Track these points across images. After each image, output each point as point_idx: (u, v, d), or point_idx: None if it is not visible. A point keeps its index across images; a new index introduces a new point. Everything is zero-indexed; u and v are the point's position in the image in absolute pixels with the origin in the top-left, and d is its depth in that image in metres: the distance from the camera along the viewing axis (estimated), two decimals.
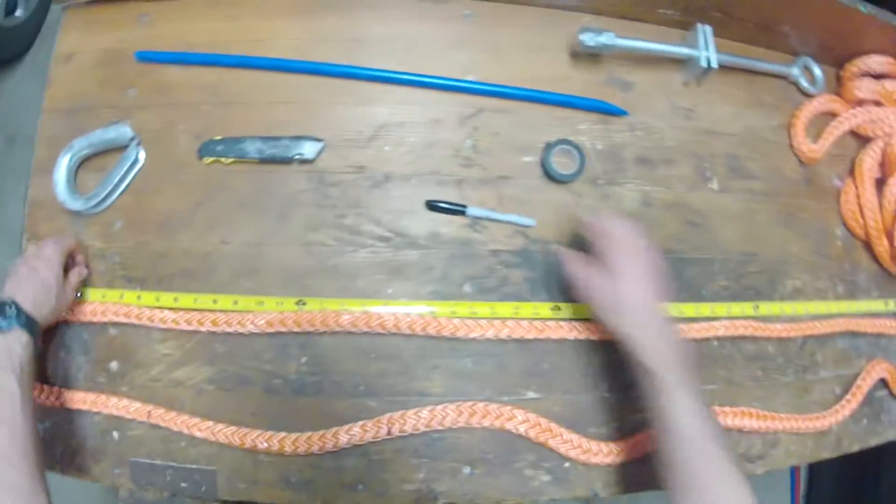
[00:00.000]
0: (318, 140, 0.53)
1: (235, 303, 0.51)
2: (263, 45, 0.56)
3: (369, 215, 0.52)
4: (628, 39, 0.56)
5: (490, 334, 0.51)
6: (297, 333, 0.50)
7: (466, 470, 0.50)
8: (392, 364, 0.50)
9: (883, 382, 0.66)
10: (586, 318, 0.52)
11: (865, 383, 0.63)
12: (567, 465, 0.51)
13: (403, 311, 0.51)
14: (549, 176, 0.54)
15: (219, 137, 0.54)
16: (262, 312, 0.50)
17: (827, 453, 0.62)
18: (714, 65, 0.57)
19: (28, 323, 0.44)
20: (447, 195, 0.53)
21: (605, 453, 0.51)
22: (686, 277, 0.56)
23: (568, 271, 0.48)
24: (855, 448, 0.64)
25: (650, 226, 0.56)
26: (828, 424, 0.61)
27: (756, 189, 0.61)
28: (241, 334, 0.50)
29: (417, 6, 0.58)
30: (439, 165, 0.53)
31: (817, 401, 0.62)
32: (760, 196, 0.60)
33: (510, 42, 0.57)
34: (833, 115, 0.66)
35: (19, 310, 0.44)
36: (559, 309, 0.52)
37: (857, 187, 0.64)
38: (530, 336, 0.51)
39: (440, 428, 0.50)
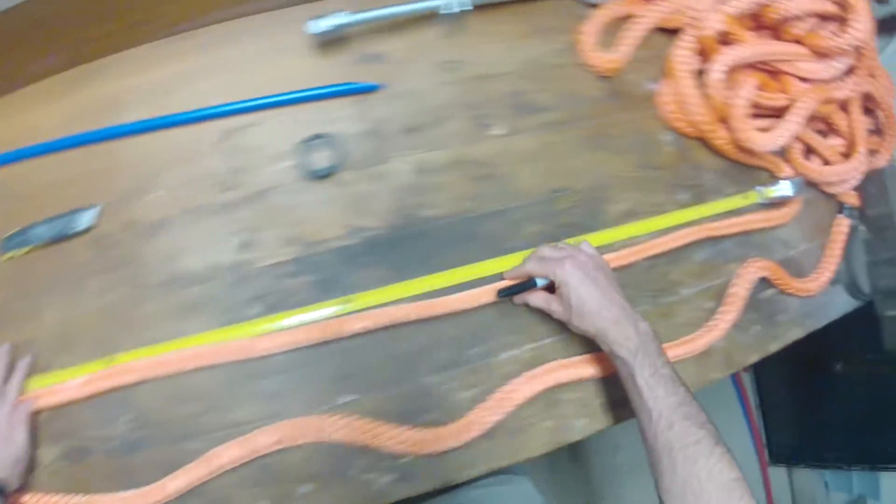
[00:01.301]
0: (94, 206, 0.54)
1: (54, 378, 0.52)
2: (35, 134, 0.57)
3: (147, 266, 0.53)
4: (363, 12, 0.54)
5: (287, 343, 0.50)
6: (113, 392, 0.51)
7: (304, 489, 0.49)
8: (200, 403, 0.50)
9: (765, 282, 0.60)
10: (380, 305, 0.50)
11: (741, 288, 0.57)
12: (406, 460, 0.49)
13: (198, 347, 0.51)
14: (310, 174, 0.53)
15: (16, 230, 0.56)
16: (75, 379, 0.51)
17: (718, 374, 0.57)
18: (464, 7, 0.54)
19: None
20: (216, 225, 0.53)
21: (444, 438, 0.49)
22: (485, 235, 0.53)
23: (538, 307, 0.51)
24: (753, 359, 0.58)
25: (434, 192, 0.54)
26: (705, 344, 0.56)
27: (551, 120, 0.57)
28: (64, 406, 0.51)
29: (161, 48, 0.57)
30: (201, 199, 0.53)
31: (687, 322, 0.57)
32: (558, 126, 0.56)
33: (250, 55, 0.56)
34: (631, 18, 0.61)
35: None
36: (350, 301, 0.51)
37: (675, 85, 0.59)
38: (330, 337, 0.50)
39: (262, 454, 0.49)
